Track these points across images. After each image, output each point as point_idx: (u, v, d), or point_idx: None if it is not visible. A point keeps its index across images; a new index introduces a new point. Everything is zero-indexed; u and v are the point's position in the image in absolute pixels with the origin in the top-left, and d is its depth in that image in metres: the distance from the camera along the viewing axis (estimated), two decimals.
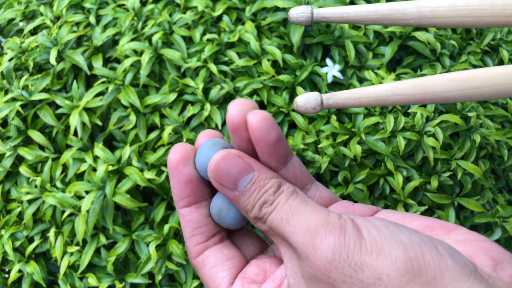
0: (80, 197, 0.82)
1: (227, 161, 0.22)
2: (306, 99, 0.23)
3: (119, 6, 0.97)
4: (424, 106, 0.92)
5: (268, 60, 0.87)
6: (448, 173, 0.90)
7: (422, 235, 0.19)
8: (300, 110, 0.24)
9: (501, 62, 1.09)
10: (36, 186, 0.84)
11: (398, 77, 0.92)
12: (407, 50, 1.01)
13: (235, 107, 0.23)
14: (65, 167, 0.87)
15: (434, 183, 0.88)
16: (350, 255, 0.19)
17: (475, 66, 1.05)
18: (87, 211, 0.77)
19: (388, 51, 0.94)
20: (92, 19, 0.93)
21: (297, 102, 0.24)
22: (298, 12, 0.23)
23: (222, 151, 0.23)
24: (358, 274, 0.18)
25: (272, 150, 0.23)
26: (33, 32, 1.01)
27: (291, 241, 0.20)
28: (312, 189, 0.26)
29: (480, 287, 0.17)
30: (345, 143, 0.84)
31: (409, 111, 0.91)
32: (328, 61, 0.86)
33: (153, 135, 0.82)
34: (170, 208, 0.83)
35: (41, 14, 0.99)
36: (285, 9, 0.91)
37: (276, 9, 0.91)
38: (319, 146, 0.81)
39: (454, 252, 0.19)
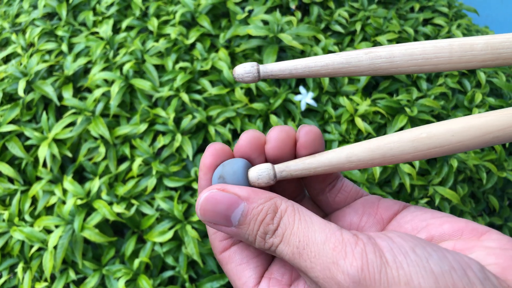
0: (49, 231, 0.80)
1: (211, 201, 0.21)
2: (258, 174, 0.22)
3: (92, 34, 0.96)
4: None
5: (242, 88, 0.86)
6: (425, 199, 0.89)
7: (451, 259, 0.18)
8: (253, 185, 0.22)
9: (478, 84, 1.09)
10: (4, 220, 0.82)
11: (373, 103, 0.91)
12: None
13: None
14: (34, 200, 0.85)
15: None
16: (376, 287, 0.18)
17: (452, 89, 1.05)
18: (55, 247, 0.75)
19: (363, 77, 0.93)
20: (64, 47, 0.92)
21: (250, 177, 0.22)
22: (243, 72, 0.22)
23: (203, 192, 0.21)
24: None
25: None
26: (6, 59, 0.99)
27: (310, 276, 0.19)
28: (337, 184, 0.25)
29: None
30: None
31: None
32: (301, 88, 0.85)
33: (123, 166, 0.81)
34: (141, 241, 0.81)
35: (14, 42, 0.98)
36: (259, 37, 0.90)
37: (250, 36, 0.91)
38: None
39: (485, 278, 0.18)
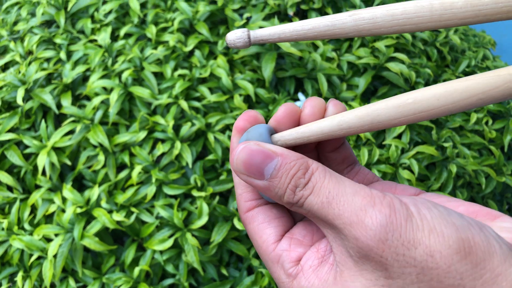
0: (49, 239, 0.80)
1: (248, 153, 0.22)
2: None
3: (91, 41, 0.96)
4: (399, 138, 0.92)
5: (241, 95, 0.86)
6: None
7: (470, 219, 0.20)
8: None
9: None
10: (3, 229, 0.82)
11: None
12: (382, 80, 1.01)
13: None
14: (34, 208, 0.84)
15: None
16: (403, 233, 0.19)
17: None
18: (55, 255, 0.75)
19: (362, 82, 0.93)
20: (62, 55, 0.92)
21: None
22: (235, 38, 0.23)
23: (241, 144, 0.22)
24: (411, 252, 0.18)
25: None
26: (4, 67, 0.99)
27: (335, 223, 0.20)
28: (355, 168, 0.27)
29: None
30: None
31: (384, 143, 0.91)
32: (300, 95, 0.85)
33: (123, 174, 0.81)
34: (141, 249, 0.81)
35: (12, 50, 0.98)
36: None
37: None
38: None
39: (499, 237, 0.19)
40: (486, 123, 1.05)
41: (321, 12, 1.05)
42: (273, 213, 0.24)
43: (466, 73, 1.11)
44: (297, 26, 0.23)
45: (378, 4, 1.09)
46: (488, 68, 1.13)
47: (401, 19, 0.22)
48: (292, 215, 0.26)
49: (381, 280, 0.19)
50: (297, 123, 0.25)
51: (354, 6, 1.06)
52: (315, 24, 0.23)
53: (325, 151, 0.26)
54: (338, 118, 0.23)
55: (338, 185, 0.20)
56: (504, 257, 0.18)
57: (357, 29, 0.22)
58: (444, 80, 1.08)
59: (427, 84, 1.07)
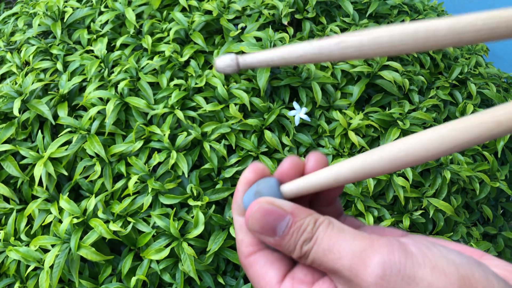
0: (45, 250, 0.80)
1: (262, 212, 0.23)
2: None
3: (87, 52, 0.97)
4: None
5: (236, 104, 0.87)
6: (420, 211, 0.90)
7: (467, 256, 0.20)
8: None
9: (469, 96, 1.10)
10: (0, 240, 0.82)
11: (366, 117, 0.92)
12: (376, 88, 1.02)
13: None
14: (30, 219, 0.85)
15: (406, 222, 0.88)
16: (402, 269, 0.19)
17: (444, 101, 1.07)
18: (51, 266, 0.75)
19: (356, 90, 0.94)
20: (59, 65, 0.93)
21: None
22: (224, 66, 0.24)
23: (255, 203, 0.24)
24: (411, 286, 0.19)
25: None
26: (1, 78, 1.00)
27: (336, 268, 0.21)
28: (341, 218, 0.28)
29: None
30: None
31: None
32: (295, 104, 0.86)
33: (119, 184, 0.81)
34: (138, 258, 0.81)
35: (9, 61, 0.98)
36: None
37: (243, 52, 0.92)
38: None
39: (495, 273, 0.20)
40: None
41: (315, 21, 1.06)
42: (274, 257, 0.25)
43: (459, 80, 1.12)
44: (285, 54, 0.24)
45: (370, 13, 1.11)
46: (481, 75, 1.15)
47: (386, 47, 0.22)
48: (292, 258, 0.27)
49: None
50: (301, 174, 0.26)
51: (347, 16, 1.08)
52: (302, 52, 0.24)
53: (319, 205, 0.28)
54: (334, 170, 0.24)
55: (339, 233, 0.22)
56: None
57: (343, 56, 0.23)
58: (438, 88, 1.09)
59: (420, 91, 1.08)
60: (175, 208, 0.79)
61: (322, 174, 0.24)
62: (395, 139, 0.91)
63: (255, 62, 0.24)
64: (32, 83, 0.88)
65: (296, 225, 0.23)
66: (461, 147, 0.21)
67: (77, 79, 0.88)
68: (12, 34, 1.09)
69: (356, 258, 0.20)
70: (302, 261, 0.23)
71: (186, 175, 0.80)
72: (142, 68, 0.91)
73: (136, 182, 0.80)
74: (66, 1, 1.06)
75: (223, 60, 0.24)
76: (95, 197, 0.80)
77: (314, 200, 0.28)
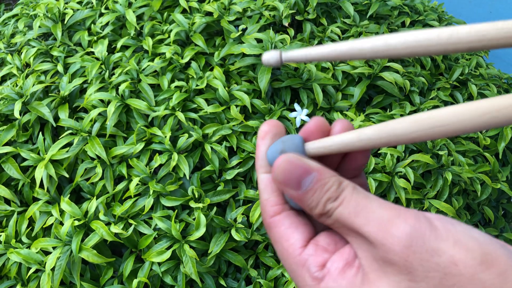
0: (47, 252, 0.80)
1: (289, 164, 0.23)
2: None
3: (88, 54, 0.97)
4: (395, 146, 0.93)
5: (237, 105, 0.87)
6: None
7: (490, 236, 0.21)
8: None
9: (470, 97, 1.10)
10: (0, 242, 0.82)
11: (367, 118, 0.92)
12: (376, 89, 1.02)
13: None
14: (31, 221, 0.84)
15: None
16: (427, 241, 0.20)
17: (445, 102, 1.07)
18: (52, 268, 0.75)
19: (357, 92, 0.94)
20: (60, 67, 0.93)
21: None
22: (268, 57, 0.26)
23: (283, 156, 0.24)
24: (434, 258, 0.20)
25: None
26: (1, 80, 1.00)
27: (362, 231, 0.22)
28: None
29: None
30: None
31: (379, 151, 0.91)
32: (296, 106, 0.86)
33: (120, 186, 0.81)
34: (140, 260, 0.81)
35: (9, 63, 0.98)
36: (254, 55, 0.91)
37: (244, 54, 0.92)
38: None
39: None
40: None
41: (316, 22, 1.06)
42: (299, 220, 0.25)
43: (460, 81, 1.12)
44: (321, 48, 0.26)
45: (371, 15, 1.11)
46: (481, 76, 1.15)
47: (412, 42, 0.24)
48: (314, 225, 0.27)
49: (405, 282, 0.21)
50: (325, 136, 0.27)
51: (348, 17, 1.08)
52: (337, 46, 0.26)
53: (345, 176, 0.28)
54: (358, 131, 0.25)
55: (365, 199, 0.22)
56: None
57: (374, 50, 0.25)
58: (439, 89, 1.09)
59: (421, 92, 1.08)
60: (176, 210, 0.79)
61: (346, 135, 0.25)
62: None
63: (295, 57, 0.26)
64: (33, 85, 0.88)
65: (321, 182, 0.23)
66: (497, 123, 0.22)
67: (77, 81, 0.88)
68: (13, 36, 1.09)
69: (383, 225, 0.21)
70: (323, 219, 0.23)
71: (188, 177, 0.80)
72: (143, 70, 0.91)
73: (137, 184, 0.80)
74: (66, 3, 1.06)
75: (269, 53, 0.27)
76: (96, 199, 0.80)
77: (339, 169, 0.28)
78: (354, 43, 0.25)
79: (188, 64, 0.94)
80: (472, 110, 0.22)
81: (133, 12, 0.99)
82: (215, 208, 0.79)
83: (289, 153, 0.24)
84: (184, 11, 1.02)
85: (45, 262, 0.77)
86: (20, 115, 0.85)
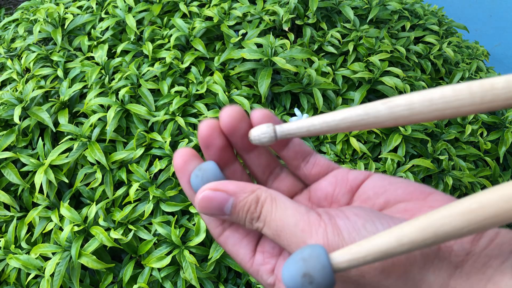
0: (46, 258, 0.79)
1: (207, 200, 0.24)
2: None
3: (88, 58, 0.97)
4: (395, 151, 0.92)
5: None
6: None
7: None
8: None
9: None
10: (0, 248, 0.82)
11: None
12: (377, 94, 1.02)
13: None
14: (31, 226, 0.84)
15: None
16: (336, 248, 0.21)
17: None
18: (52, 274, 0.75)
19: (357, 96, 0.94)
20: (59, 72, 0.92)
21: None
22: (259, 133, 0.23)
23: (200, 190, 0.24)
24: (346, 272, 0.21)
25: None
26: (1, 85, 1.00)
27: (289, 249, 0.23)
28: (311, 160, 0.29)
29: (442, 272, 0.21)
30: None
31: (380, 156, 0.91)
32: (296, 110, 0.86)
33: (120, 191, 0.81)
34: (139, 266, 0.81)
35: (9, 68, 0.98)
36: (254, 60, 0.91)
37: (244, 59, 0.92)
38: None
39: None
40: (481, 134, 1.06)
41: (316, 27, 1.06)
42: (240, 233, 0.27)
43: None
44: (328, 117, 0.22)
45: (371, 19, 1.11)
46: None
47: (440, 103, 0.20)
48: None
49: None
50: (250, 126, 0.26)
51: (348, 21, 1.08)
52: (347, 114, 0.22)
53: (277, 152, 0.29)
54: (395, 233, 0.19)
55: (283, 216, 0.23)
56: (423, 262, 0.21)
57: (393, 116, 0.21)
58: None
59: None
60: (176, 216, 0.79)
61: (380, 239, 0.20)
62: (397, 145, 0.91)
63: (294, 129, 0.23)
64: (33, 90, 0.88)
65: (239, 205, 0.24)
66: None
67: (77, 86, 0.88)
68: (13, 40, 1.09)
69: (299, 239, 0.22)
70: (260, 232, 0.25)
71: None
72: (143, 74, 0.91)
73: (137, 190, 0.80)
74: (66, 8, 1.06)
75: (259, 128, 0.23)
76: (96, 204, 0.79)
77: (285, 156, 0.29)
78: (368, 110, 0.21)
79: (188, 69, 0.94)
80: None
81: (133, 17, 0.99)
82: None
83: (205, 185, 0.25)
84: (184, 16, 1.02)
85: (45, 268, 0.77)
86: (20, 120, 0.85)
